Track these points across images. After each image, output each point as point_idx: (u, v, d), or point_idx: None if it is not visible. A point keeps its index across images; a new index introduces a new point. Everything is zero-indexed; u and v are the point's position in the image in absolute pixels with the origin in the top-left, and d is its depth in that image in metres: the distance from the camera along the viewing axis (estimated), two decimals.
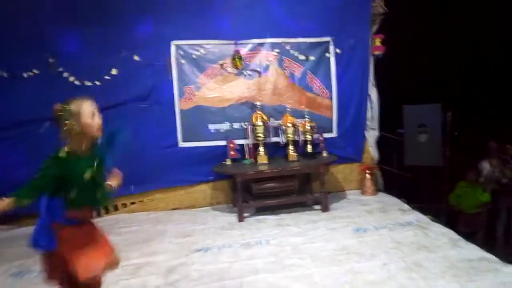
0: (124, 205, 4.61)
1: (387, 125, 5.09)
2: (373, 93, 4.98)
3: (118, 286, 2.87)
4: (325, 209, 4.34)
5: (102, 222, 4.23)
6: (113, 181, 2.25)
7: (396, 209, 4.27)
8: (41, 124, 4.07)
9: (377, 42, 4.80)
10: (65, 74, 4.14)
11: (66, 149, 2.00)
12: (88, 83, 4.20)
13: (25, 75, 4.07)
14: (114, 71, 4.27)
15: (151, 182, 4.56)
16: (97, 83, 4.23)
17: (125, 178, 4.15)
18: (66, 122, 1.99)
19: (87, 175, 2.04)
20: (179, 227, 4.11)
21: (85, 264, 2.06)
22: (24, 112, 4.02)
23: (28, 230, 3.99)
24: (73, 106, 2.01)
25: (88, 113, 2.03)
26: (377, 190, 4.90)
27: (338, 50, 4.80)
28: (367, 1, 4.71)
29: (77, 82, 4.14)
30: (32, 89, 3.99)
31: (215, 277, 2.96)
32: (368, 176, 4.85)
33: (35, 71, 4.10)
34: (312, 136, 4.61)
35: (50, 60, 4.11)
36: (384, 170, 5.07)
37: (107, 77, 4.18)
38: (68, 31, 4.11)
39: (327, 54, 4.80)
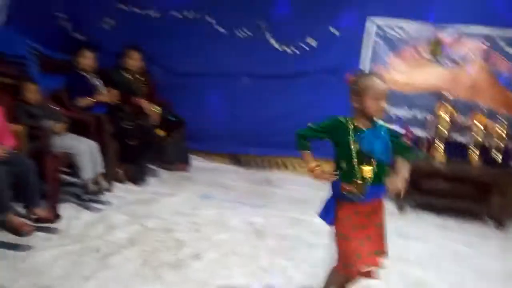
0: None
1: None
2: None
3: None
4: (501, 226, 3.86)
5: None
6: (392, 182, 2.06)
7: None
8: (241, 78, 4.73)
9: None
10: (269, 37, 4.59)
11: (349, 119, 2.01)
12: (286, 49, 4.57)
13: (239, 34, 4.68)
14: (310, 41, 4.52)
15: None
16: (294, 50, 4.57)
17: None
18: (352, 96, 1.98)
19: (355, 146, 1.96)
20: None
21: (345, 257, 1.97)
22: (234, 65, 4.70)
23: (214, 166, 4.77)
24: (362, 82, 1.96)
25: (373, 93, 1.93)
26: None
27: None
28: None
29: (276, 46, 4.56)
30: (242, 47, 4.62)
31: None
32: None
33: (248, 33, 4.67)
34: (505, 144, 4.08)
35: (260, 25, 4.61)
36: None
37: (302, 45, 4.45)
38: None
39: None
